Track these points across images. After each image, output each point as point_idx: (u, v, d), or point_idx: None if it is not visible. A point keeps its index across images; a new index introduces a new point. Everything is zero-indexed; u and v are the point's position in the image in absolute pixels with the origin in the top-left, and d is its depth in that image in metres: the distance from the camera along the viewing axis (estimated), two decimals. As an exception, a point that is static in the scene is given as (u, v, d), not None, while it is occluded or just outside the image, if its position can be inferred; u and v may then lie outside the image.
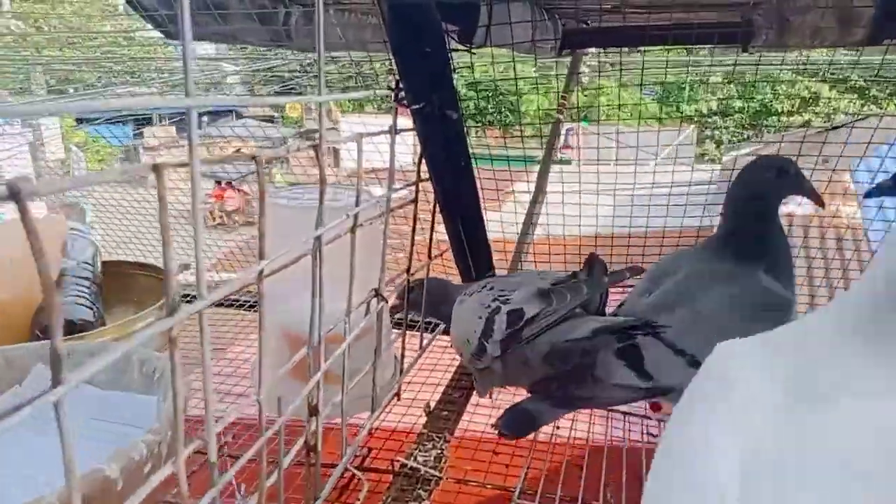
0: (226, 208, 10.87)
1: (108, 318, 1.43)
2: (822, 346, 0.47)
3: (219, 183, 10.11)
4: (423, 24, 0.87)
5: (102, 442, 0.99)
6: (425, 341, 1.27)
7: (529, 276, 1.18)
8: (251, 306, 1.66)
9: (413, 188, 1.08)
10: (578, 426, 1.13)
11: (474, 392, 1.26)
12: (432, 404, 1.18)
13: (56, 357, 0.32)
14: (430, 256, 1.23)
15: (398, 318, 1.24)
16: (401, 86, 0.91)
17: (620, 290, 1.32)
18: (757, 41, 1.35)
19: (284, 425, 0.73)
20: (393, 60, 0.90)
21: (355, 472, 1.03)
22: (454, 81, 1.00)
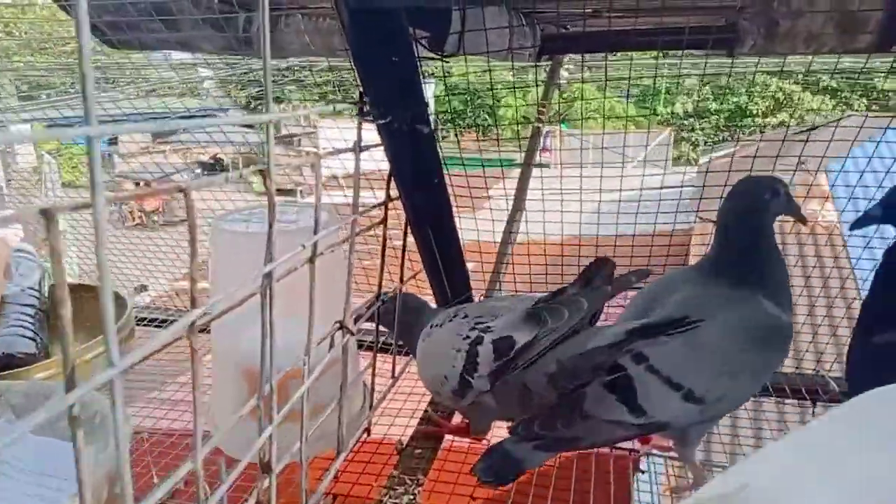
0: (145, 209, 10.75)
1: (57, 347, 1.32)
2: None
3: (137, 184, 10.08)
4: (388, 31, 0.78)
5: (37, 500, 0.89)
6: (398, 367, 1.18)
7: (504, 300, 1.09)
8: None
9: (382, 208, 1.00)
10: (561, 461, 1.05)
11: (456, 422, 1.17)
12: (405, 440, 1.09)
13: None
14: (402, 279, 1.14)
15: (369, 342, 1.15)
16: (365, 98, 0.82)
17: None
18: (743, 47, 1.29)
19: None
20: (355, 71, 0.81)
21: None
22: (425, 92, 0.91)
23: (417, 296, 1.20)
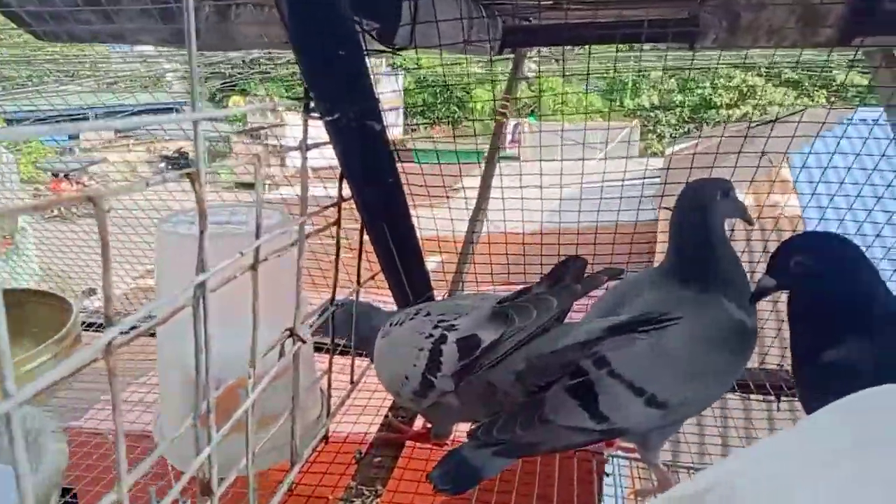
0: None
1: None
2: None
3: (56, 175, 9.88)
4: (331, 23, 0.74)
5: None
6: (357, 372, 1.14)
7: (467, 298, 1.06)
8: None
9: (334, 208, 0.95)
10: (524, 464, 1.02)
11: (416, 428, 1.14)
12: (364, 448, 1.05)
13: None
14: (358, 282, 1.10)
15: (327, 346, 1.11)
16: (310, 94, 0.77)
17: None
18: (705, 40, 1.27)
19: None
20: (298, 65, 0.77)
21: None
22: (374, 87, 0.87)
23: (371, 302, 1.16)
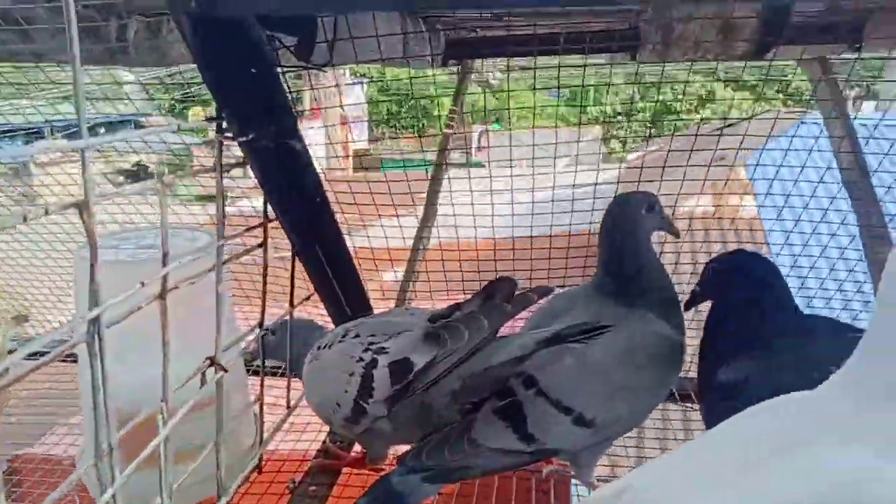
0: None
1: None
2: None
3: None
4: (240, 41, 0.71)
5: None
6: (296, 396, 1.11)
7: (398, 315, 1.04)
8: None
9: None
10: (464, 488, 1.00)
11: (354, 453, 1.11)
12: (298, 478, 1.02)
13: None
14: (291, 304, 1.07)
15: (255, 366, 1.08)
16: (222, 114, 0.75)
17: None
18: (645, 52, 1.28)
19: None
20: (206, 85, 0.74)
21: None
22: (292, 106, 0.85)
23: (314, 321, 1.13)
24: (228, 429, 0.97)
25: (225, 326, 0.96)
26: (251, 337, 0.99)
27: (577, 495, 1.12)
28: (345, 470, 1.05)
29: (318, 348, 0.98)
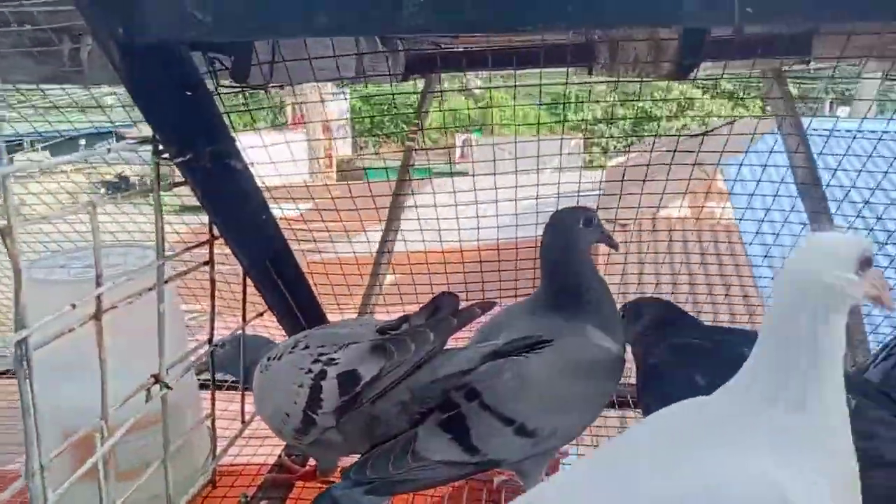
0: None
1: None
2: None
3: None
4: (170, 66, 0.72)
5: None
6: (248, 411, 1.12)
7: (347, 325, 1.05)
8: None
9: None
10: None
11: (308, 466, 1.12)
12: (250, 493, 1.02)
13: None
14: (244, 319, 1.08)
15: (204, 379, 1.08)
16: (157, 136, 0.76)
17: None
18: (596, 67, 1.30)
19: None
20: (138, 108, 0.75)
21: None
22: (229, 126, 0.86)
23: (267, 337, 1.14)
24: (181, 444, 0.97)
25: (174, 343, 0.97)
26: (202, 351, 1.00)
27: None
28: (298, 483, 1.06)
29: (269, 359, 0.99)
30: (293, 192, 1.77)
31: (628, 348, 0.99)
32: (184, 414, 1.05)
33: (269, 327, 1.27)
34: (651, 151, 1.79)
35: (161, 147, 0.77)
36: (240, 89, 0.91)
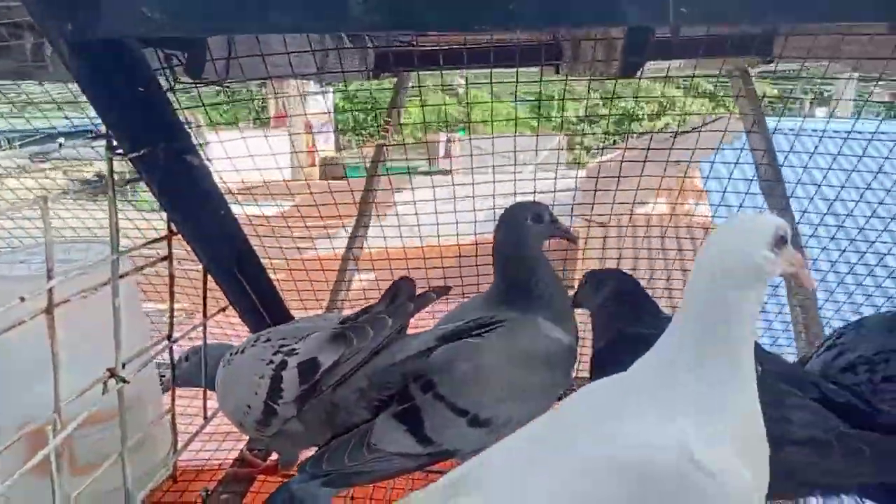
0: None
1: None
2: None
3: None
4: (121, 62, 0.73)
5: None
6: (210, 408, 1.12)
7: (310, 320, 1.06)
8: None
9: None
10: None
11: (270, 461, 1.12)
12: (211, 487, 1.03)
13: None
14: (205, 315, 1.09)
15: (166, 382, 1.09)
16: (110, 132, 0.76)
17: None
18: (564, 66, 1.32)
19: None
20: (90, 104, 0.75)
21: None
22: (183, 121, 0.86)
23: (229, 345, 1.14)
24: (140, 438, 0.98)
25: (134, 338, 0.97)
26: (161, 346, 1.00)
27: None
28: (259, 478, 1.07)
29: (231, 355, 1.00)
30: (274, 190, 1.78)
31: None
32: (144, 409, 1.05)
33: (234, 324, 1.27)
34: (624, 151, 1.82)
35: (115, 143, 0.77)
36: (194, 85, 0.92)
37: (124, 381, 0.85)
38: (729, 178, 1.67)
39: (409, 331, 0.98)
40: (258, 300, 1.13)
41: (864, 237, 1.69)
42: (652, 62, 1.35)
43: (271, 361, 0.95)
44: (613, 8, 0.60)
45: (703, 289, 0.59)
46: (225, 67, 0.91)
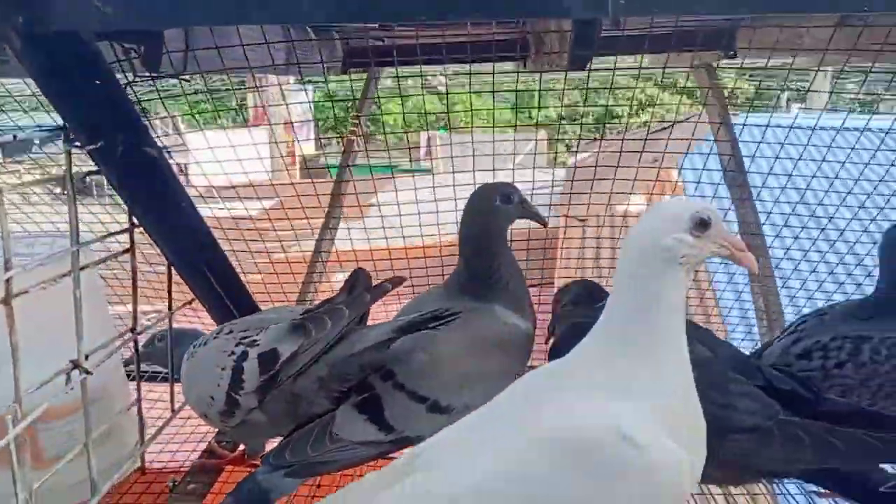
0: None
1: None
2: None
3: None
4: (76, 55, 0.73)
5: None
6: (178, 398, 1.13)
7: (273, 311, 1.07)
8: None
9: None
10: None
11: (238, 451, 1.13)
12: (178, 478, 1.04)
13: None
14: (170, 307, 1.09)
15: (131, 371, 1.09)
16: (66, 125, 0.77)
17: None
18: (530, 60, 1.33)
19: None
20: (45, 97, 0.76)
21: None
22: (139, 113, 0.87)
23: (197, 329, 1.15)
24: (106, 430, 0.98)
25: (97, 330, 0.98)
26: (126, 338, 1.01)
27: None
28: (227, 468, 1.08)
29: (195, 346, 1.01)
30: (256, 189, 1.79)
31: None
32: (111, 401, 1.06)
33: (202, 318, 1.28)
34: (600, 146, 1.85)
35: (72, 136, 0.78)
36: (151, 78, 0.92)
37: (88, 372, 0.86)
38: (702, 170, 1.70)
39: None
40: (224, 293, 1.13)
41: (836, 226, 1.73)
42: (624, 57, 1.38)
43: (233, 353, 0.96)
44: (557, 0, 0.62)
45: (625, 273, 0.62)
46: (182, 61, 0.91)
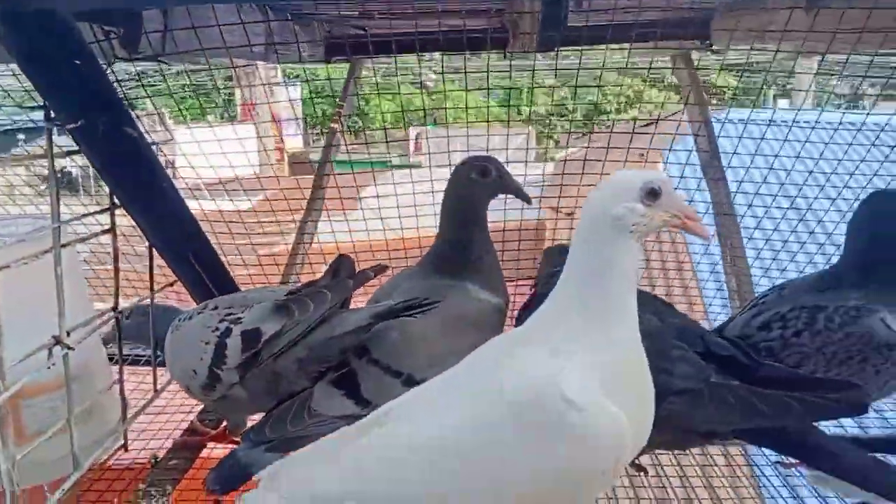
0: None
1: None
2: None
3: None
4: (55, 34, 0.74)
5: None
6: (161, 379, 1.15)
7: (257, 291, 1.09)
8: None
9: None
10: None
11: (219, 430, 1.15)
12: (160, 454, 1.06)
13: None
14: (151, 288, 1.11)
15: (112, 351, 1.11)
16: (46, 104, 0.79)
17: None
18: (512, 47, 1.35)
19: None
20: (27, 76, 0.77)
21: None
22: (119, 94, 0.88)
23: (174, 305, 1.17)
24: (90, 407, 1.00)
25: (78, 308, 0.99)
26: (107, 317, 1.02)
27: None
28: (209, 445, 1.10)
29: (180, 321, 1.03)
30: (243, 184, 1.80)
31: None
32: (92, 378, 1.07)
33: (183, 300, 1.30)
34: (589, 140, 1.87)
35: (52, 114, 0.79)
36: (131, 60, 0.94)
37: (69, 347, 0.88)
38: (686, 164, 1.74)
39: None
40: (206, 275, 1.15)
41: (807, 203, 1.76)
42: (612, 54, 1.40)
43: (217, 329, 0.98)
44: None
45: (580, 240, 0.65)
46: (161, 42, 0.93)
